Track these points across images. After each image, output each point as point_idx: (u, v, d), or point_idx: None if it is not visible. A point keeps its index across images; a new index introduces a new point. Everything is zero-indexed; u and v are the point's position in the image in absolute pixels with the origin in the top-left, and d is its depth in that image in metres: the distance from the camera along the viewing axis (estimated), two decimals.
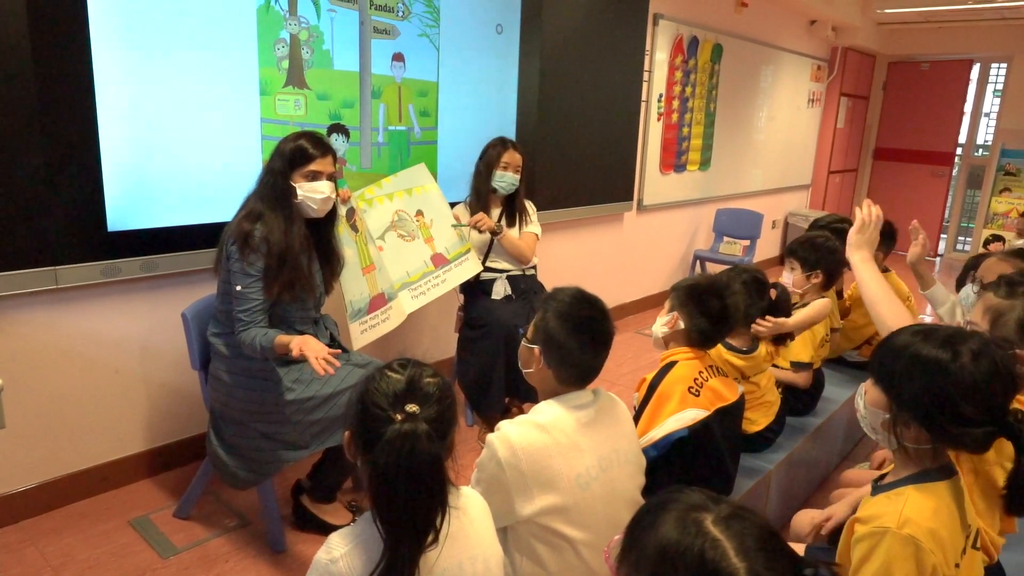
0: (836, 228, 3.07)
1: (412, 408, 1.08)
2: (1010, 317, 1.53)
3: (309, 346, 1.89)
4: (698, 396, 1.84)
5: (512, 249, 2.97)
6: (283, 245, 2.02)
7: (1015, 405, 1.17)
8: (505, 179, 2.93)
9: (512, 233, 2.97)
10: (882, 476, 1.31)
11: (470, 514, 1.21)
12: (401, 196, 2.63)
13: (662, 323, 1.95)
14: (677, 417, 1.81)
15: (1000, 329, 1.53)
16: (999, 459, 1.47)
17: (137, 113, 2.26)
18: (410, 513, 1.07)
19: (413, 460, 1.05)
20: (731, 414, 1.93)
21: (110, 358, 2.40)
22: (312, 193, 2.08)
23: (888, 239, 3.07)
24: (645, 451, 1.78)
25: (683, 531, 0.78)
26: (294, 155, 2.07)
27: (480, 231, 2.83)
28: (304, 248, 2.10)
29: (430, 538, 1.09)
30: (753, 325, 2.22)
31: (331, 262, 2.29)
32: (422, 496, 1.07)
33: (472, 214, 2.98)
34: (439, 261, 2.64)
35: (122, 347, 2.43)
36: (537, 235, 3.09)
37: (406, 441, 1.05)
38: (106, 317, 2.37)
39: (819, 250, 2.56)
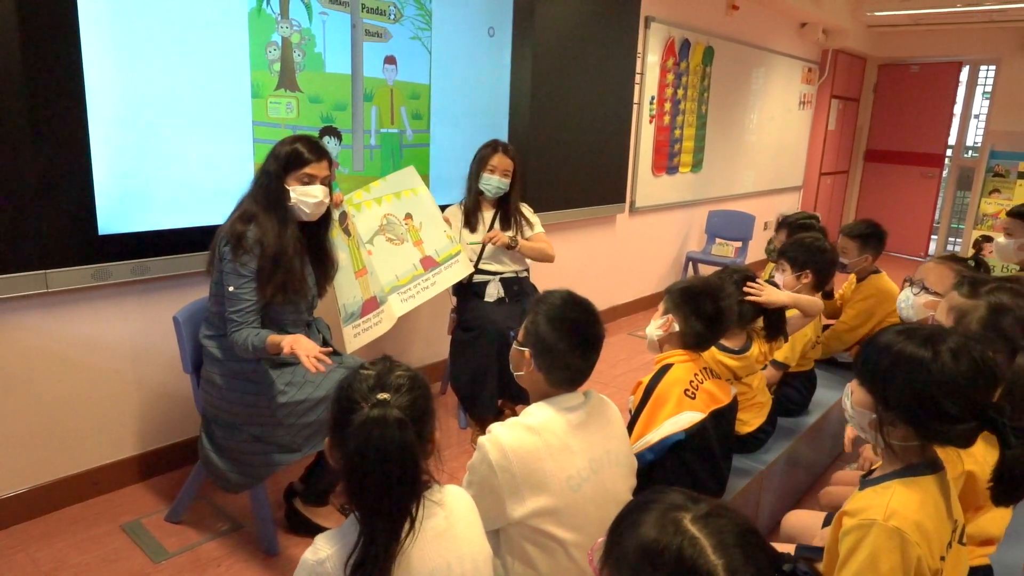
0: (804, 224, 3.11)
1: (383, 396, 1.09)
2: (973, 317, 1.58)
3: (301, 344, 1.90)
4: (694, 399, 1.85)
5: (532, 253, 3.01)
6: (277, 247, 2.03)
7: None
8: (491, 182, 2.94)
9: (509, 237, 2.98)
10: (870, 471, 1.32)
11: (456, 513, 1.21)
12: (389, 200, 2.63)
13: (656, 326, 1.95)
14: (674, 420, 1.81)
15: (964, 328, 1.57)
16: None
17: (128, 115, 2.25)
18: (381, 499, 1.07)
19: (383, 444, 1.06)
20: (725, 416, 1.94)
21: (101, 362, 2.40)
22: (305, 197, 2.09)
23: (877, 241, 3.09)
24: (642, 455, 1.78)
25: (662, 530, 0.79)
26: (289, 158, 2.08)
27: (494, 245, 2.89)
28: (297, 251, 2.10)
29: (406, 528, 1.09)
30: (745, 288, 2.21)
31: (324, 265, 2.29)
32: (393, 482, 1.07)
33: (465, 215, 3.00)
34: (428, 264, 2.64)
35: (113, 351, 2.42)
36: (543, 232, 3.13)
37: (375, 426, 1.06)
38: (97, 321, 2.36)
39: (808, 250, 2.57)
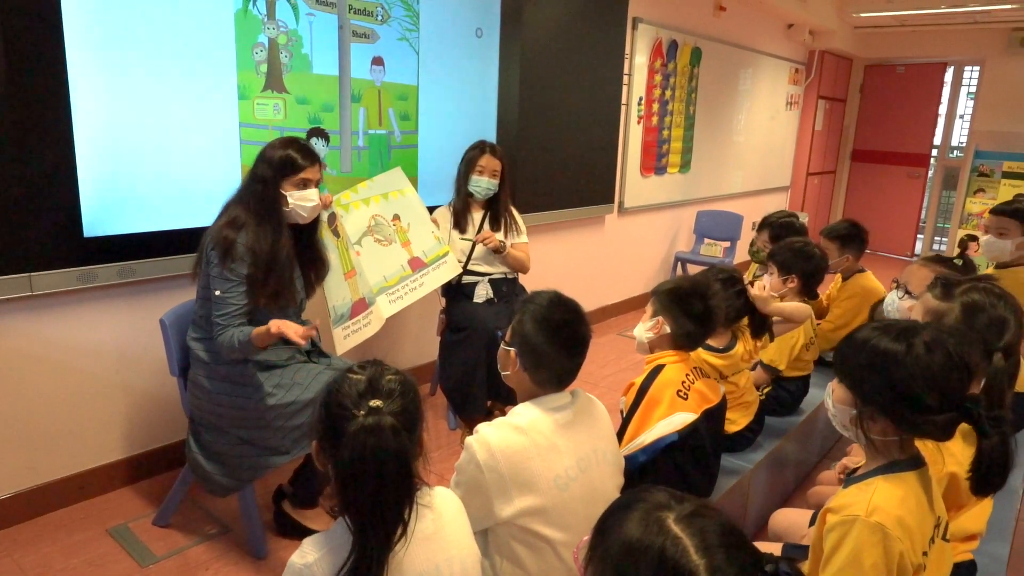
0: (785, 223, 3.13)
1: (375, 403, 1.08)
2: (948, 319, 1.59)
3: (287, 324, 1.90)
4: (686, 399, 1.85)
5: (515, 263, 3.03)
6: (270, 256, 2.03)
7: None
8: (480, 184, 2.94)
9: (499, 241, 2.99)
10: (854, 470, 1.34)
11: (445, 515, 1.21)
12: (377, 201, 2.63)
13: (646, 328, 1.95)
14: (667, 421, 1.82)
15: None
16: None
17: (114, 117, 2.24)
18: (377, 507, 1.07)
19: (378, 453, 1.06)
20: (715, 415, 1.95)
21: (87, 365, 2.38)
22: (303, 201, 2.10)
23: (858, 242, 3.11)
24: (634, 456, 1.79)
25: (645, 530, 0.80)
26: (283, 164, 2.08)
27: (486, 246, 2.90)
28: (289, 257, 2.10)
29: (399, 533, 1.09)
30: (750, 288, 2.28)
31: (315, 266, 2.30)
32: (388, 490, 1.07)
33: (454, 217, 3.00)
34: (416, 265, 2.64)
35: (100, 354, 2.40)
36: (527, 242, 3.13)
37: (371, 435, 1.06)
38: (83, 324, 2.34)
39: (795, 255, 2.58)
